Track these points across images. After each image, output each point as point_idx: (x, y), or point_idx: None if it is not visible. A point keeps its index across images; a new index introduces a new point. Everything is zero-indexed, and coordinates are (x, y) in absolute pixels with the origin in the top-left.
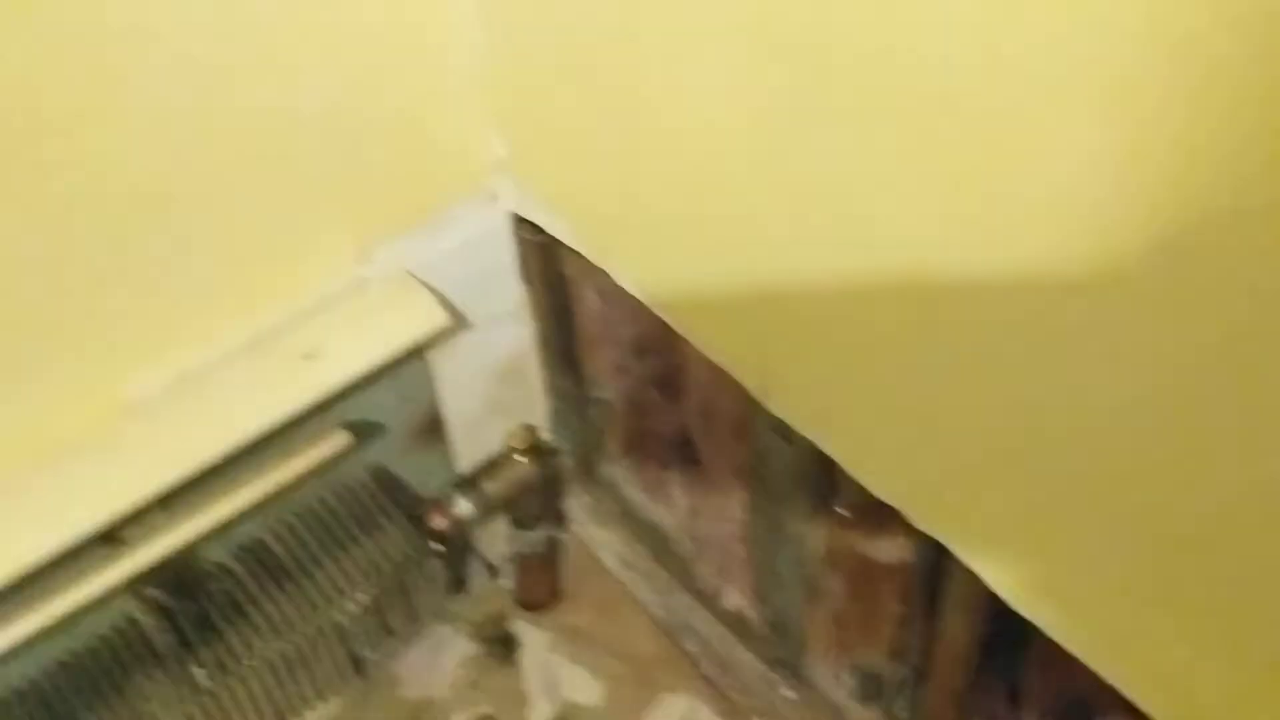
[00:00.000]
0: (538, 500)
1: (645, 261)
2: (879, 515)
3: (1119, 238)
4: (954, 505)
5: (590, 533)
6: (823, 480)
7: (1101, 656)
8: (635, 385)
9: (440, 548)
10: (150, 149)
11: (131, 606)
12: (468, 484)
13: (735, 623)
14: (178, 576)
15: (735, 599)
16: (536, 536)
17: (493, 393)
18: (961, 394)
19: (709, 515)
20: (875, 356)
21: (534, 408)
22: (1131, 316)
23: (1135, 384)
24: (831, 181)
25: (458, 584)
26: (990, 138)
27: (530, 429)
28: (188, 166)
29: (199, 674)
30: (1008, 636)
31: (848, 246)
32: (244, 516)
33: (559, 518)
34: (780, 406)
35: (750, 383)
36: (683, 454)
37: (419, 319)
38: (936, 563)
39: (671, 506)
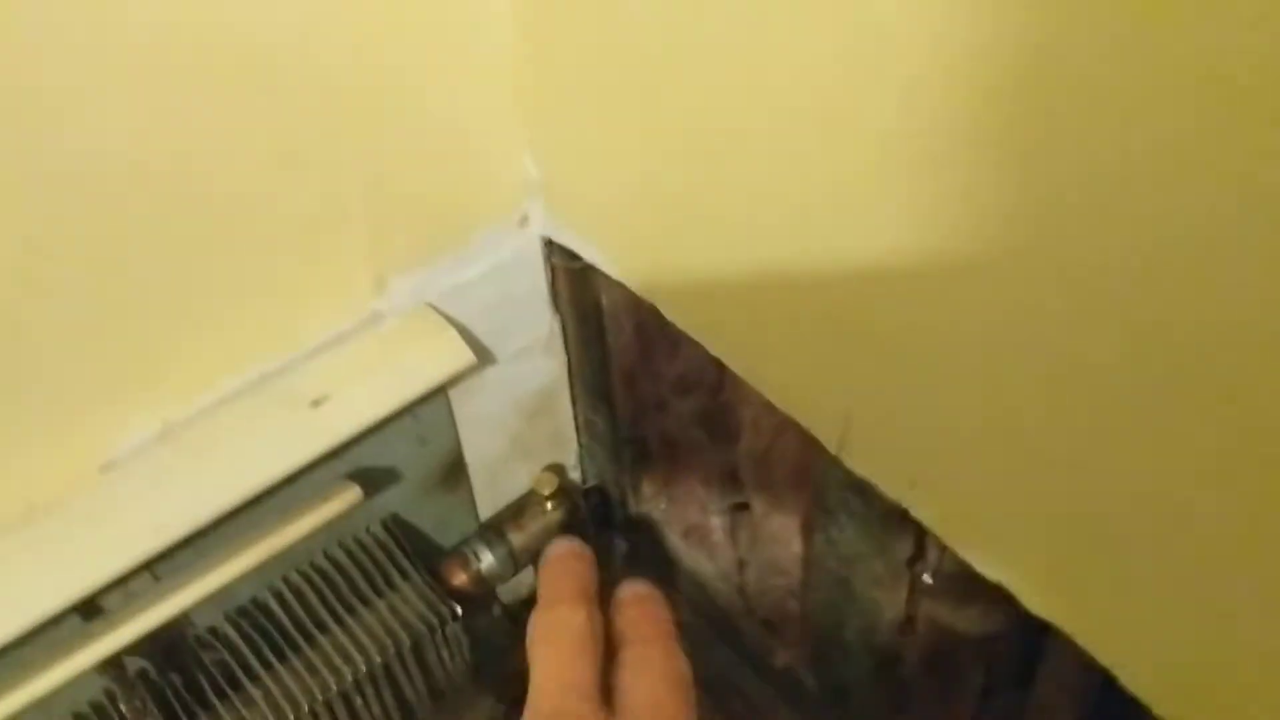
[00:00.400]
0: None
1: (698, 295)
2: (970, 582)
3: None
4: (1079, 585)
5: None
6: (907, 543)
7: None
8: (676, 424)
9: (457, 608)
10: (126, 156)
11: (110, 681)
12: (491, 534)
13: (786, 685)
14: (164, 644)
15: (787, 659)
16: None
17: (519, 431)
18: (1095, 445)
19: (760, 567)
20: (985, 405)
21: (563, 447)
22: None
23: None
24: (916, 201)
25: (473, 638)
26: None
27: (558, 472)
28: (173, 184)
29: None
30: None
31: (941, 266)
32: (241, 579)
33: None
34: (862, 463)
35: (824, 434)
36: (729, 496)
37: (441, 359)
38: (1035, 633)
39: (713, 554)
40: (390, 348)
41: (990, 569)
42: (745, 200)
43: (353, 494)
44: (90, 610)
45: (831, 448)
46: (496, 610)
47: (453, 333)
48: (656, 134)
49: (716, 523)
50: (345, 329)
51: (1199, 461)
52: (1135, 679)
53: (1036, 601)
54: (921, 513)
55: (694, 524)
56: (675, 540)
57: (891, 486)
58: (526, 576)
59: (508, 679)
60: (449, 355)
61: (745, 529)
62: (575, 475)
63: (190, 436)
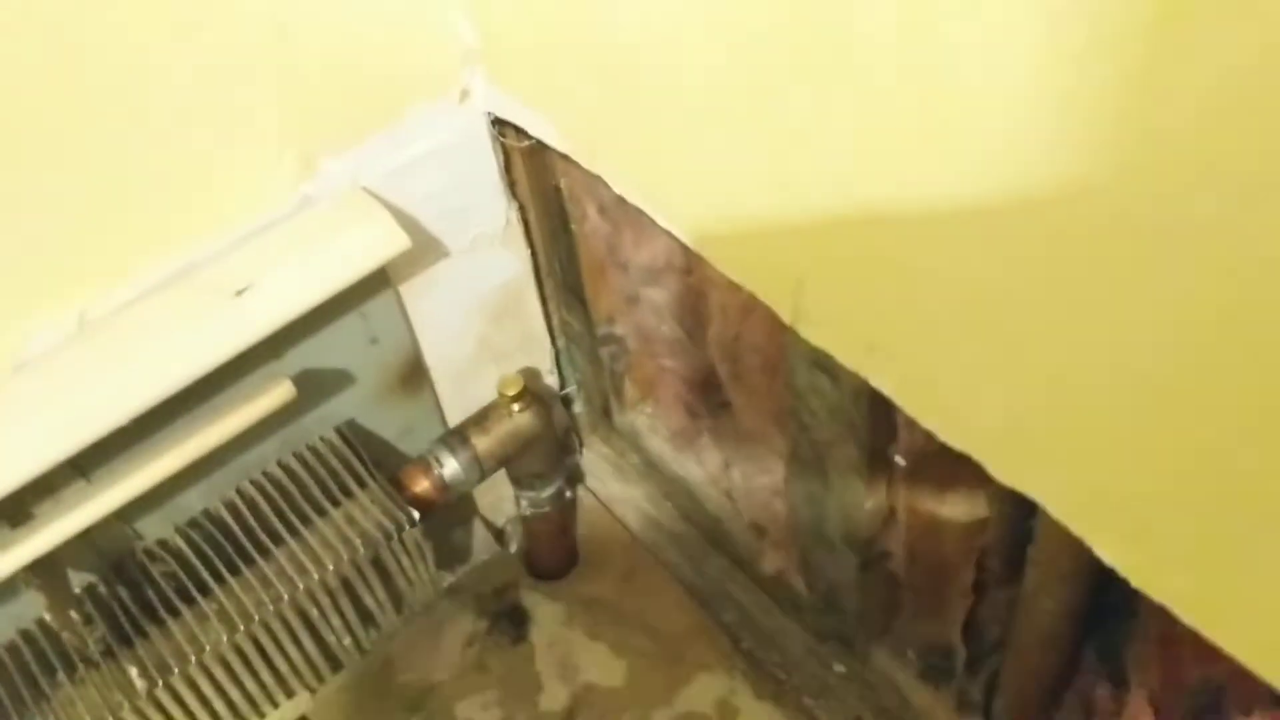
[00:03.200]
0: (540, 456)
1: (647, 164)
2: (948, 464)
3: None
4: (1047, 451)
5: (609, 489)
6: (878, 423)
7: (1255, 649)
8: (650, 318)
9: (415, 514)
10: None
11: (54, 597)
12: (455, 440)
13: (779, 590)
14: (111, 558)
15: (777, 562)
16: (544, 496)
17: (484, 333)
18: (1051, 302)
19: (744, 467)
20: (934, 258)
21: (536, 350)
22: None
23: None
24: (872, 44)
25: (454, 554)
26: None
27: (524, 374)
28: (82, 59)
29: (134, 675)
30: (1110, 607)
31: (887, 120)
32: (186, 483)
33: (571, 474)
34: (818, 333)
35: (780, 305)
36: (711, 397)
37: (374, 243)
38: (1021, 519)
39: (701, 458)
40: (319, 233)
41: (953, 437)
42: (697, 60)
43: (285, 390)
44: (18, 517)
45: (787, 317)
46: (478, 526)
47: (385, 215)
48: None
49: (702, 424)
50: (273, 215)
51: (1157, 328)
52: (1107, 546)
53: (1002, 468)
54: (880, 380)
55: (680, 428)
56: (662, 446)
57: (849, 354)
58: (504, 483)
59: (488, 594)
60: (382, 239)
61: (728, 428)
62: (552, 380)
63: (107, 330)
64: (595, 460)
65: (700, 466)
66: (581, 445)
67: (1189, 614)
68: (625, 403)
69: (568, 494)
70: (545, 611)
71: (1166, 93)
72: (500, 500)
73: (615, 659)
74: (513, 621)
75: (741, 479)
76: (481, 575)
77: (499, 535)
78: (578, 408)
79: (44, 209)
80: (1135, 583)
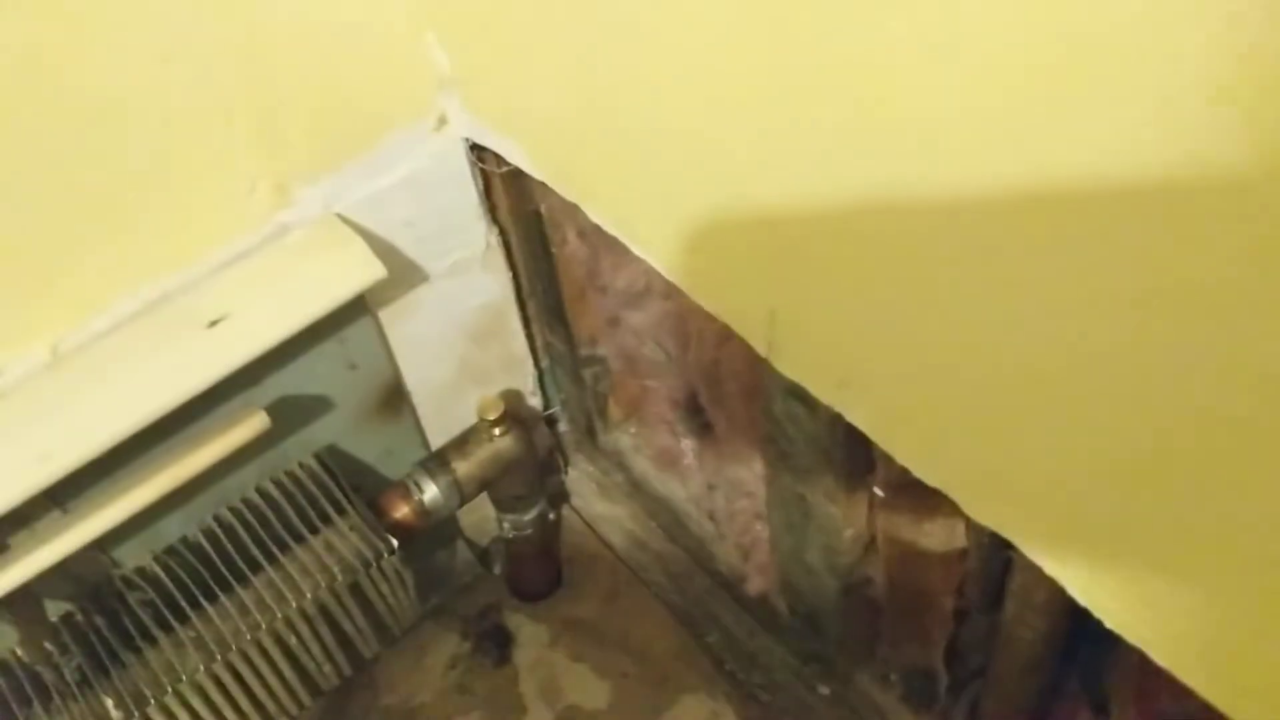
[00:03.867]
0: (521, 479)
1: (619, 192)
2: (925, 495)
3: None
4: (1015, 490)
5: (594, 509)
6: (855, 453)
7: (1210, 681)
8: (631, 339)
9: (394, 542)
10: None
11: (29, 626)
12: (436, 464)
13: (762, 612)
14: (88, 587)
15: (760, 585)
16: (525, 519)
17: (466, 355)
18: (1013, 341)
19: (727, 490)
20: (901, 294)
21: (519, 371)
22: None
23: None
24: (841, 77)
25: (437, 575)
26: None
27: (505, 396)
28: (57, 90)
29: (110, 706)
30: (1092, 635)
31: (858, 157)
32: (164, 511)
33: (555, 494)
34: (791, 366)
35: (753, 336)
36: (694, 417)
37: (348, 272)
38: (999, 550)
39: (684, 478)
40: (293, 263)
41: (927, 474)
42: (662, 76)
43: (259, 420)
44: None
45: (761, 349)
46: (461, 547)
47: (360, 243)
48: (578, 15)
49: (686, 445)
50: (248, 244)
51: (1139, 382)
52: (1083, 588)
53: (977, 506)
54: (854, 415)
55: (664, 447)
56: (646, 466)
57: (822, 388)
58: (486, 508)
59: (472, 616)
60: (356, 268)
61: (710, 450)
62: (535, 401)
63: (80, 361)
64: (580, 480)
65: (684, 487)
66: (566, 465)
67: (1160, 656)
68: (609, 422)
69: (550, 515)
70: (529, 633)
71: None
72: (484, 521)
73: (599, 681)
74: (496, 643)
75: (724, 501)
76: (465, 596)
77: (482, 556)
78: (562, 427)
79: (16, 239)
80: (1108, 623)
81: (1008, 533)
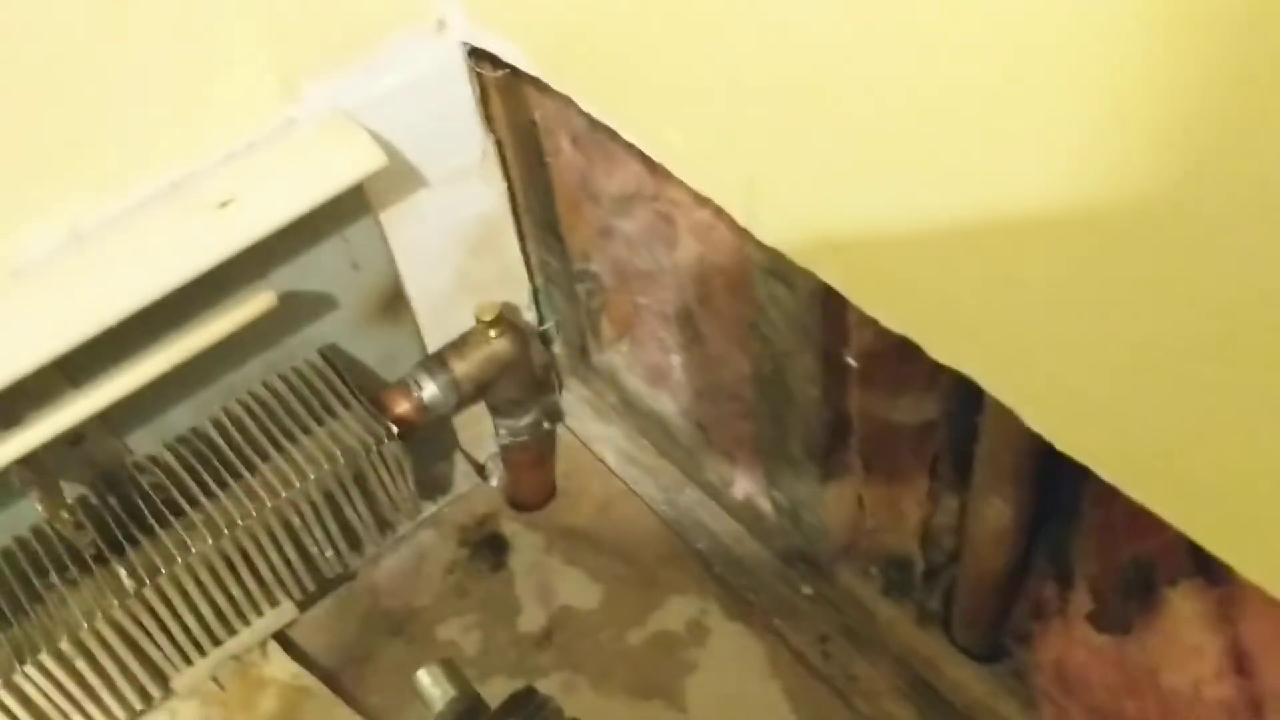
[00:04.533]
0: (516, 382)
1: (610, 80)
2: (896, 366)
3: None
4: (974, 325)
5: (588, 428)
6: (831, 329)
7: (1172, 500)
8: (623, 250)
9: (394, 428)
10: None
11: (48, 505)
12: (435, 364)
13: (748, 516)
14: (103, 470)
15: (747, 487)
16: (521, 425)
17: (463, 265)
18: (967, 182)
19: (713, 394)
20: (869, 150)
21: (514, 286)
22: None
23: None
24: None
25: (436, 486)
26: None
27: (502, 305)
28: None
29: (124, 576)
30: (1053, 510)
31: (829, 24)
32: (175, 400)
33: (552, 410)
34: (771, 233)
35: (733, 206)
36: (685, 330)
37: (351, 159)
38: (967, 420)
39: (674, 392)
40: (301, 151)
41: (895, 322)
42: None
43: (267, 298)
44: (9, 419)
45: (741, 219)
46: (460, 460)
47: (363, 134)
48: None
49: (675, 360)
50: (258, 136)
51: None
52: (1038, 417)
53: (940, 349)
54: (828, 273)
55: (655, 364)
56: (638, 384)
57: (799, 251)
58: (485, 419)
59: (469, 525)
60: (359, 156)
61: (699, 357)
62: (530, 317)
63: (98, 240)
64: (574, 401)
65: (674, 400)
66: (561, 385)
67: (1111, 473)
68: (602, 341)
69: (545, 425)
70: (524, 540)
71: None
72: (482, 436)
73: (591, 584)
74: (492, 550)
75: (712, 405)
76: (463, 507)
77: (480, 469)
78: (557, 348)
79: (39, 127)
80: (1059, 446)
81: (967, 368)
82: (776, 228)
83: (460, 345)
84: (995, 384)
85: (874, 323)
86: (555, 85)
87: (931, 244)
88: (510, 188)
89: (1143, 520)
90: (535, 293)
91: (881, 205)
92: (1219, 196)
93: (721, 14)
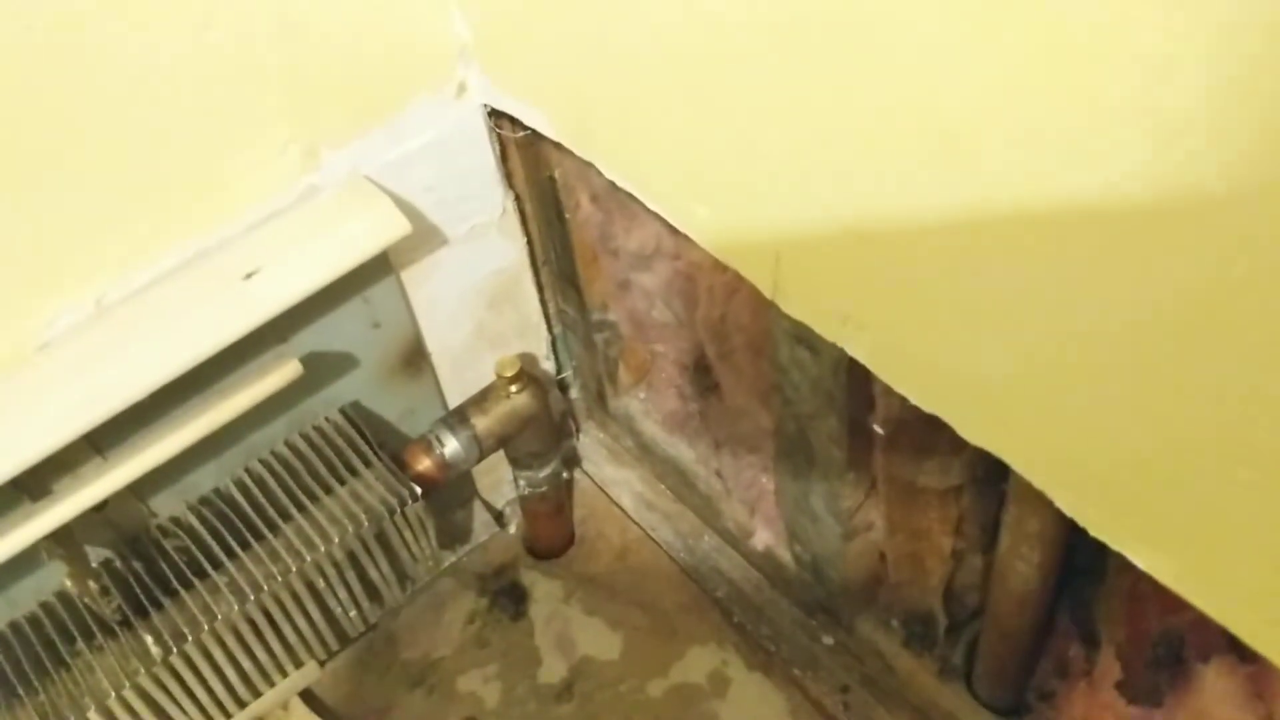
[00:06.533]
0: (537, 435)
1: (634, 148)
2: (923, 432)
3: None
4: (1008, 409)
5: (605, 473)
6: (856, 393)
7: (1209, 591)
8: (641, 302)
9: (417, 489)
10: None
11: (73, 570)
12: (456, 420)
13: (768, 566)
14: (127, 534)
15: (767, 539)
16: (541, 476)
17: (483, 319)
18: (1004, 267)
19: (733, 446)
20: (898, 230)
21: (532, 336)
22: None
23: None
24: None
25: (455, 534)
26: None
27: (521, 359)
28: (98, 60)
29: (150, 642)
30: (1080, 571)
31: (859, 107)
32: (198, 462)
33: (568, 456)
34: (796, 306)
35: (760, 279)
36: (702, 380)
37: (376, 227)
38: (993, 487)
39: (692, 440)
40: (324, 220)
41: (925, 402)
42: (680, 46)
43: (293, 368)
44: (38, 491)
45: (767, 292)
46: (479, 508)
47: (387, 201)
48: None
49: (693, 408)
50: (280, 205)
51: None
52: (1071, 503)
53: (971, 429)
54: (856, 349)
55: (672, 410)
56: (655, 430)
57: (826, 325)
58: (503, 467)
59: (489, 574)
60: (384, 224)
61: (717, 409)
62: (548, 366)
63: (123, 313)
64: (591, 445)
65: (691, 448)
66: (578, 430)
67: (1144, 561)
68: (619, 387)
69: (564, 475)
70: (543, 589)
71: None
72: (499, 483)
73: (611, 633)
74: (512, 599)
75: (731, 457)
76: (482, 555)
77: (498, 517)
78: (574, 393)
79: (65, 200)
80: (1092, 531)
81: (1000, 452)
82: (803, 302)
83: (481, 400)
84: (1027, 468)
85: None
86: (578, 151)
87: (965, 326)
88: (529, 241)
89: (1172, 593)
90: (553, 341)
91: (914, 285)
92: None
93: (750, 90)
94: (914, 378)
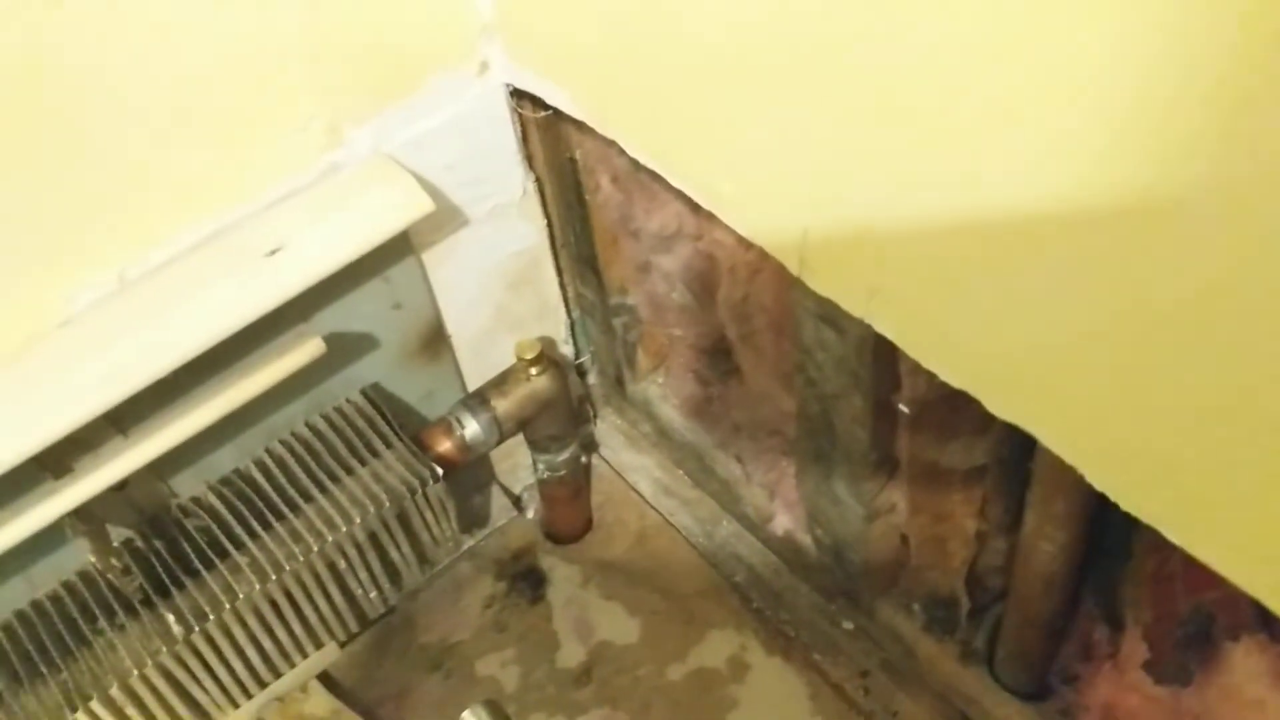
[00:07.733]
0: (556, 418)
1: (656, 122)
2: (948, 412)
3: None
4: (1040, 382)
5: (623, 459)
6: (882, 372)
7: (1243, 564)
8: (661, 285)
9: (438, 470)
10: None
11: (95, 549)
12: (476, 402)
13: (788, 550)
14: (148, 514)
15: (786, 523)
16: (560, 460)
17: (502, 301)
18: (1042, 245)
19: (753, 430)
20: (926, 201)
21: (551, 320)
22: None
23: None
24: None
25: (473, 518)
26: None
27: (541, 339)
28: (120, 35)
29: (171, 621)
30: (1105, 552)
31: (884, 76)
32: (218, 442)
33: (586, 441)
34: (824, 281)
35: (787, 256)
36: (721, 364)
37: (398, 205)
38: (1018, 467)
39: (711, 424)
40: (347, 197)
41: (954, 378)
42: (707, 17)
43: (315, 345)
44: (59, 469)
45: (793, 268)
46: (497, 493)
47: (410, 179)
48: None
49: (713, 392)
50: (302, 181)
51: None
52: (1102, 477)
53: (1001, 403)
54: (883, 325)
55: (690, 395)
56: (673, 415)
57: (853, 301)
58: (522, 451)
59: (507, 558)
60: (407, 201)
61: (737, 393)
62: (567, 350)
63: (146, 289)
64: (609, 430)
65: (710, 433)
66: (596, 415)
67: (1177, 535)
68: (638, 372)
69: (583, 459)
70: (561, 573)
71: None
72: (517, 468)
73: (629, 618)
74: (530, 583)
75: (750, 441)
76: (500, 540)
77: (516, 501)
78: (592, 379)
79: (87, 175)
80: (1124, 506)
81: (1031, 426)
82: (830, 278)
83: (501, 383)
84: (1058, 442)
85: (928, 371)
86: (600, 130)
87: (997, 298)
88: (549, 224)
89: (1202, 571)
90: (571, 326)
91: (945, 257)
92: None
93: (783, 65)
94: (943, 353)
